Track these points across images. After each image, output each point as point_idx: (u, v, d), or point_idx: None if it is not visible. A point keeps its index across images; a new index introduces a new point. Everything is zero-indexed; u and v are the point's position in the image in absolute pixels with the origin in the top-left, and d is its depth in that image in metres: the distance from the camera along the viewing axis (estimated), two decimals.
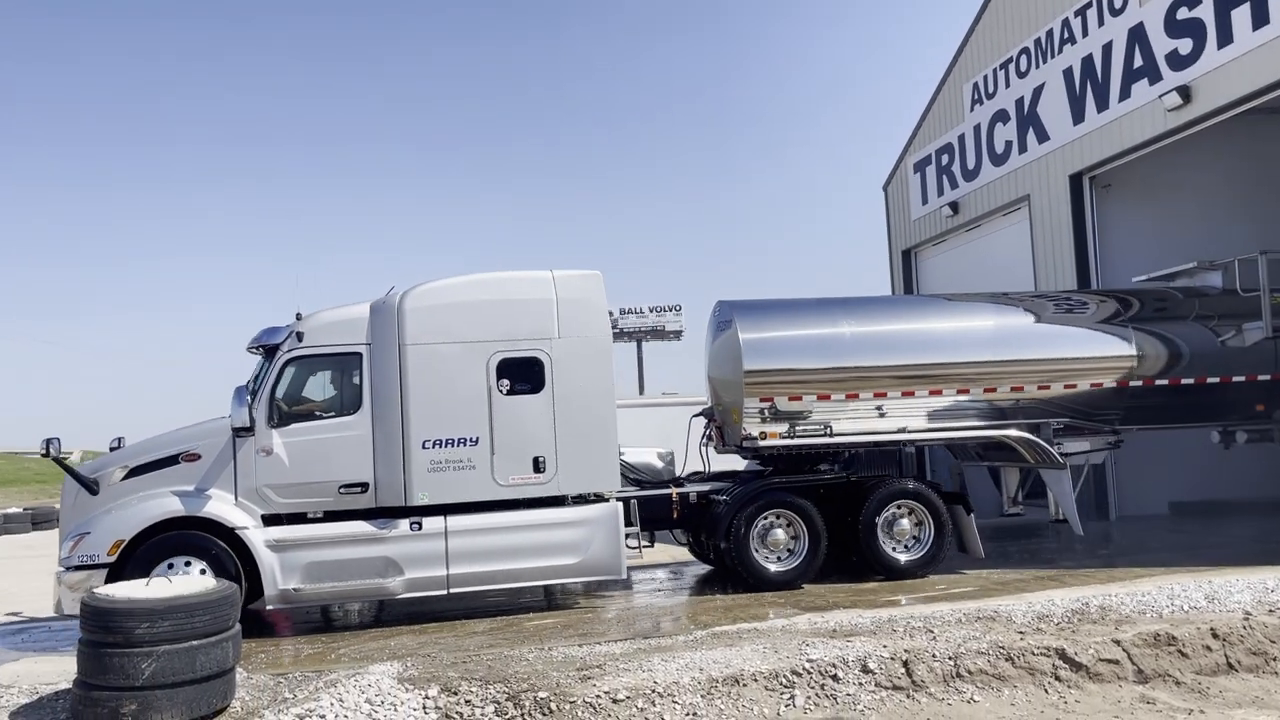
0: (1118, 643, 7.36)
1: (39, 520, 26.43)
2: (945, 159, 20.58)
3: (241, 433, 9.42)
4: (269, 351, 9.92)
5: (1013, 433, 11.62)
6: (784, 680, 6.84)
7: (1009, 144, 18.29)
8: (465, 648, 8.39)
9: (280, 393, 9.70)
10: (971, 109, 19.56)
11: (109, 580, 8.68)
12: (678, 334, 54.01)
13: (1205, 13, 13.58)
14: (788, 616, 9.09)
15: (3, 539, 24.32)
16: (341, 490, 9.62)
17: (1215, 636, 7.54)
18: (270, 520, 9.51)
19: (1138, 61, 14.91)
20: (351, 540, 9.50)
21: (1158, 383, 12.12)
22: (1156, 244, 15.39)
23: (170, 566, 8.99)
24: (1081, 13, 16.17)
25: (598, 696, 6.54)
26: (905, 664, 7.03)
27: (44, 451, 9.25)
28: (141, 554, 9.07)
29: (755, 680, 6.81)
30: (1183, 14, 14.02)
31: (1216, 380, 12.28)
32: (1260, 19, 12.66)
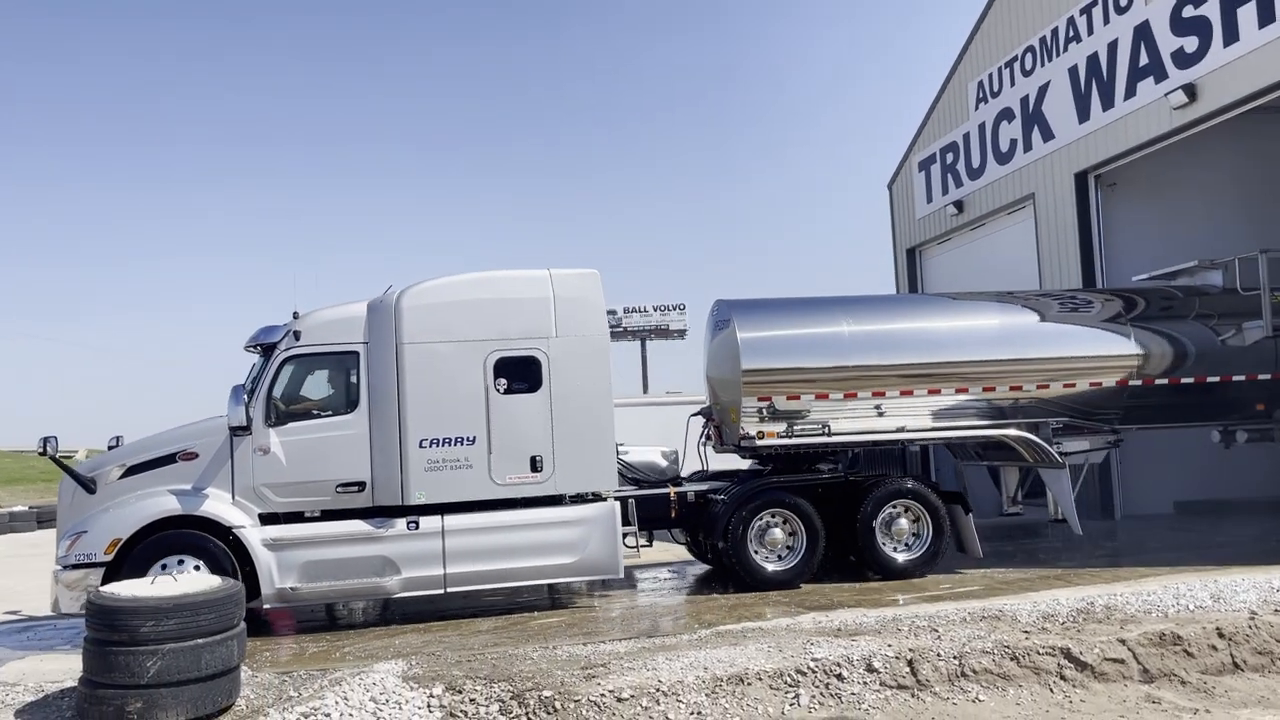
0: (1123, 642, 7.35)
1: (44, 519, 26.44)
2: (950, 158, 20.55)
3: (239, 431, 9.41)
4: (266, 350, 9.91)
5: (1011, 432, 11.60)
6: (789, 679, 6.84)
7: (1014, 142, 18.25)
8: (470, 646, 8.39)
9: (277, 391, 9.70)
10: (976, 107, 19.53)
11: (106, 579, 8.70)
12: (681, 333, 54.06)
13: (1211, 11, 13.54)
14: (792, 616, 9.08)
15: (8, 537, 24.37)
16: (339, 489, 9.62)
17: (1221, 636, 7.53)
18: (267, 519, 9.51)
19: (1143, 60, 14.87)
20: (349, 539, 9.50)
21: (1157, 382, 12.09)
22: (1161, 243, 15.35)
23: (164, 567, 8.97)
24: (1087, 11, 16.13)
25: (602, 695, 6.54)
26: (910, 663, 7.03)
27: (42, 450, 9.26)
28: (139, 553, 9.07)
29: (760, 679, 6.81)
30: (1188, 12, 13.98)
31: (1216, 379, 12.25)
32: (1266, 17, 12.62)
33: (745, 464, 12.39)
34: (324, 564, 9.41)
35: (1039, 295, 13.35)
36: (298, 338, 9.77)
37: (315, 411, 9.88)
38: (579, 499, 10.19)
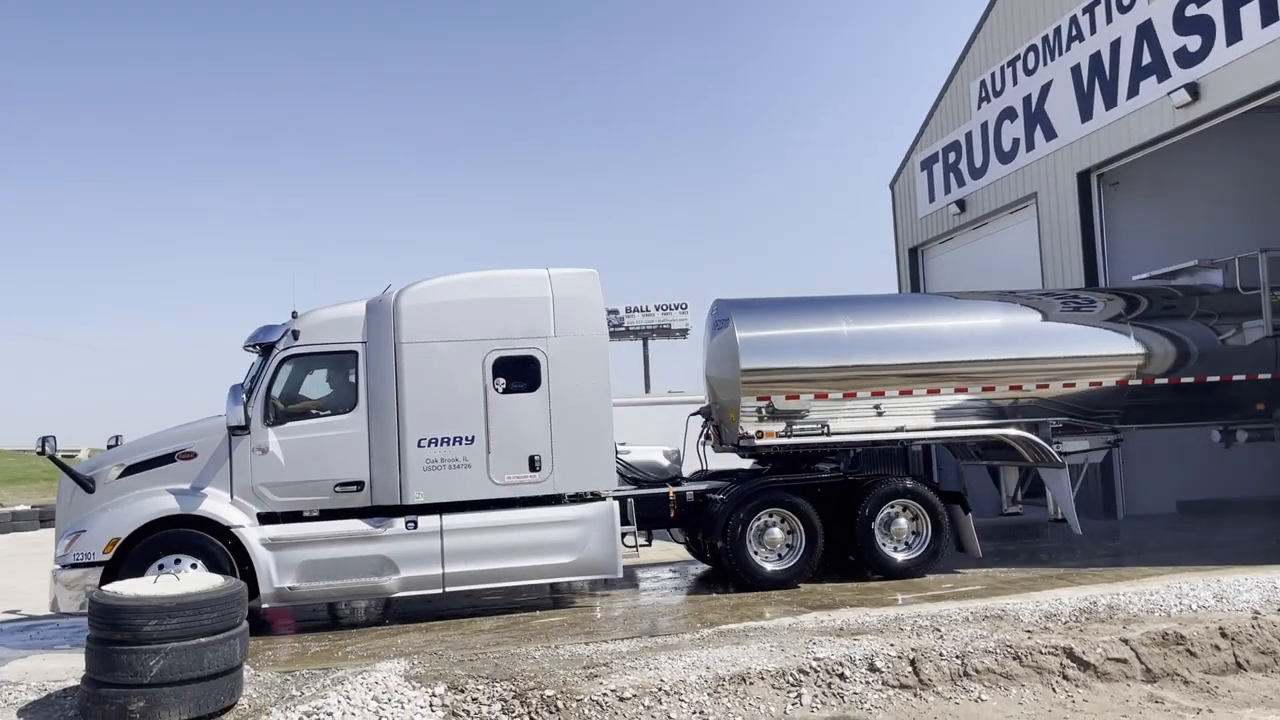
0: (1126, 642, 7.35)
1: (47, 518, 26.45)
2: (952, 157, 20.54)
3: (237, 431, 9.40)
4: (265, 349, 9.91)
5: (1011, 431, 11.59)
6: (791, 679, 6.83)
7: (1016, 142, 18.24)
8: (472, 645, 8.39)
9: (276, 391, 9.69)
10: (979, 107, 19.51)
11: (104, 578, 8.70)
12: (684, 332, 54.07)
13: (1214, 9, 13.53)
14: (794, 615, 9.08)
15: (11, 536, 24.40)
16: (337, 489, 9.62)
17: (1224, 635, 7.52)
18: (266, 518, 9.51)
19: (1146, 59, 14.86)
20: (347, 539, 9.50)
21: (1157, 381, 12.07)
22: (1164, 242, 15.33)
23: (161, 567, 8.96)
24: (1090, 10, 16.12)
25: (604, 695, 6.54)
26: (912, 663, 7.02)
27: (40, 449, 9.26)
28: (137, 552, 9.06)
29: (762, 679, 6.80)
30: (1191, 11, 13.97)
31: (1217, 379, 12.23)
32: (1270, 16, 12.60)
33: (745, 463, 12.39)
34: (322, 563, 9.41)
35: (1040, 294, 13.34)
36: (296, 337, 9.77)
37: (314, 411, 9.88)
38: (578, 498, 10.19)
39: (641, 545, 10.93)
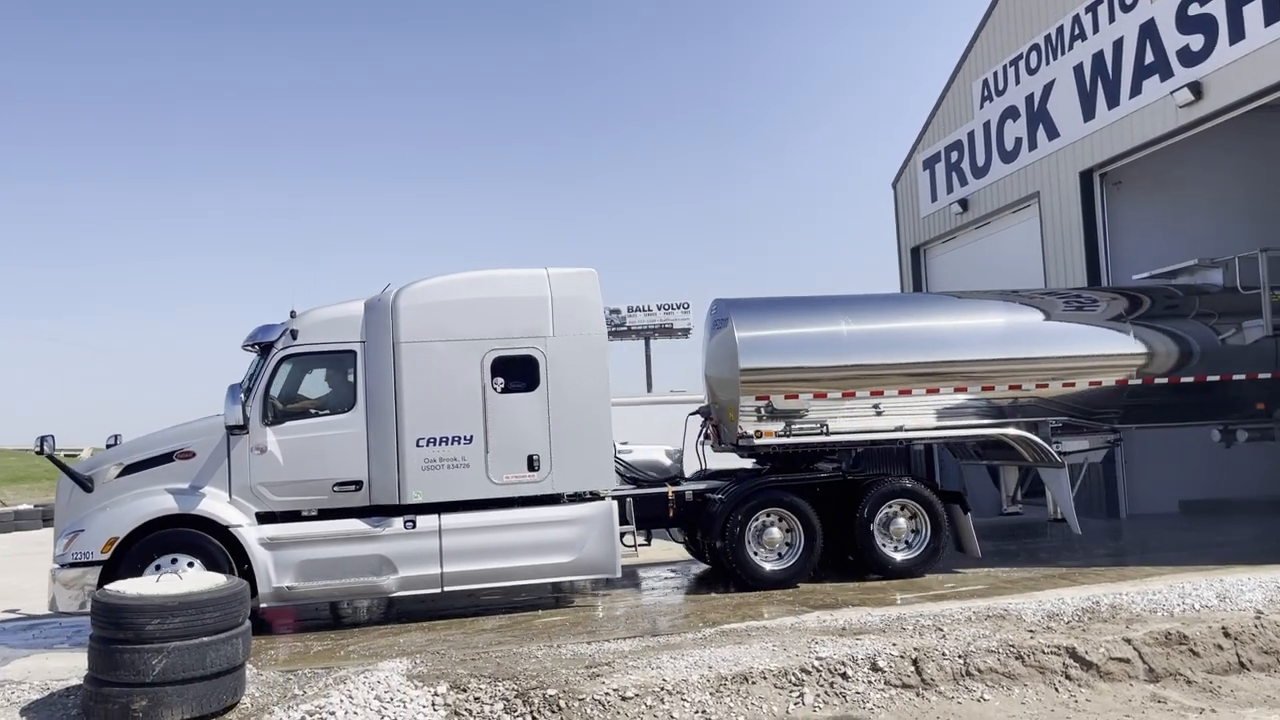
0: (1129, 641, 7.34)
1: (50, 517, 26.37)
2: (955, 156, 20.52)
3: (236, 430, 9.40)
4: (264, 349, 9.90)
5: (1010, 431, 11.58)
6: (793, 678, 6.83)
7: (1019, 141, 18.22)
8: (474, 645, 8.39)
9: (275, 390, 9.69)
10: (981, 106, 19.50)
11: (103, 578, 8.72)
12: (686, 332, 54.07)
13: (1217, 9, 13.51)
14: (796, 614, 9.08)
15: (14, 535, 24.42)
16: (335, 488, 9.62)
17: (1227, 635, 7.51)
18: (264, 518, 9.51)
19: (1149, 58, 14.84)
20: (345, 538, 9.50)
21: (1157, 381, 12.05)
22: (1167, 241, 15.32)
23: (158, 567, 8.96)
24: (1092, 9, 16.10)
25: (607, 694, 6.53)
26: (915, 662, 7.01)
27: (39, 449, 9.26)
28: (135, 551, 9.07)
29: (764, 678, 6.80)
30: (1194, 10, 13.96)
31: (1216, 379, 12.21)
32: (1272, 15, 12.59)
33: (745, 463, 12.39)
34: (321, 563, 9.41)
35: (1042, 294, 13.31)
36: (295, 336, 9.77)
37: (312, 410, 9.87)
38: (576, 498, 10.18)
39: (641, 545, 10.92)
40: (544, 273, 10.26)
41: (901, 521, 11.09)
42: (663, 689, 6.61)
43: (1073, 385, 11.79)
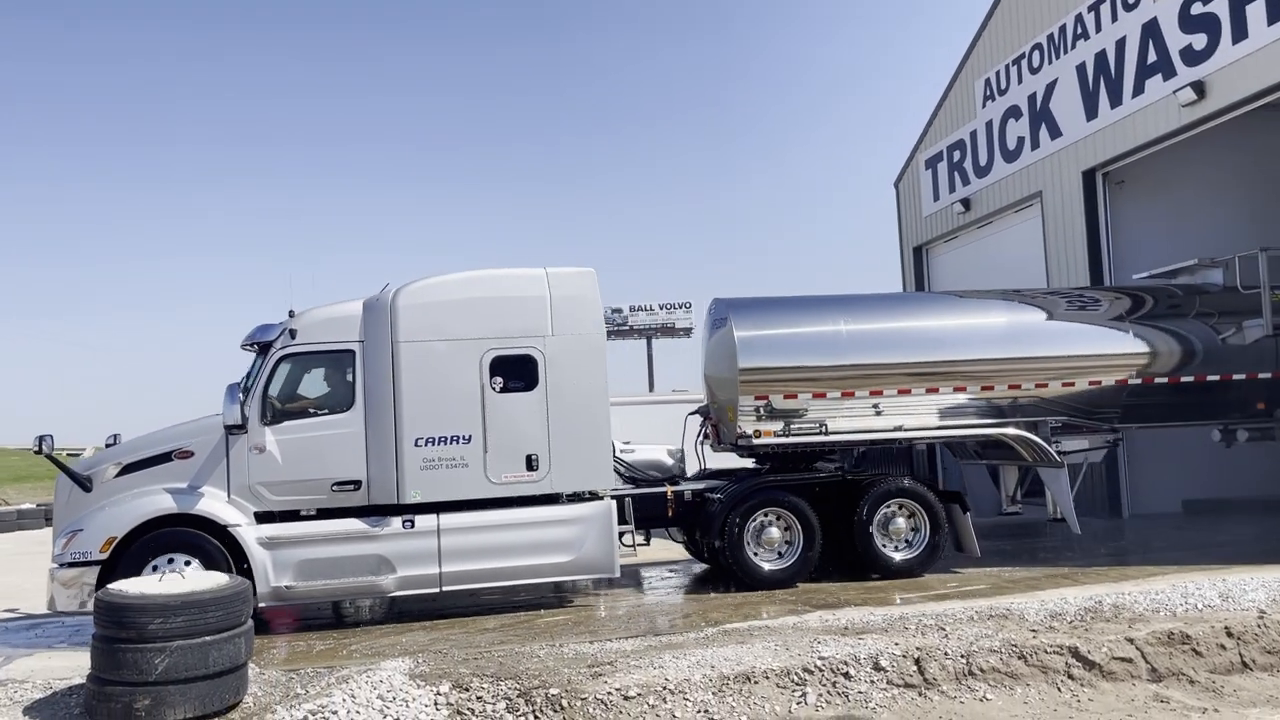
0: (1131, 641, 7.33)
1: (52, 516, 26.51)
2: (957, 155, 20.51)
3: (234, 430, 9.39)
4: (262, 348, 9.91)
5: (1009, 430, 11.55)
6: (796, 678, 6.83)
7: (1021, 140, 18.21)
8: (477, 644, 8.40)
9: (273, 390, 9.69)
10: (983, 105, 19.48)
11: (102, 577, 8.73)
12: (687, 331, 54.13)
13: (1220, 8, 13.50)
14: (798, 614, 9.07)
15: (16, 535, 24.45)
16: (334, 488, 9.62)
17: (1230, 635, 7.50)
18: (263, 517, 9.51)
19: (1152, 57, 14.83)
20: (344, 538, 9.50)
21: (1157, 381, 12.03)
22: (1169, 241, 15.29)
23: (155, 568, 8.96)
24: (1095, 8, 16.08)
25: (609, 693, 6.53)
26: (917, 662, 7.01)
27: (37, 448, 9.28)
28: (134, 551, 9.07)
29: (767, 678, 6.80)
30: (1197, 9, 13.94)
31: (1217, 378, 12.19)
32: (1275, 14, 12.57)
33: (744, 463, 12.38)
34: (319, 562, 9.41)
35: (1043, 293, 13.30)
36: (294, 336, 9.77)
37: (311, 410, 9.87)
38: (575, 498, 10.18)
39: (640, 545, 10.90)
40: (543, 272, 10.26)
41: (900, 521, 11.08)
42: (665, 688, 6.61)
43: (1072, 385, 11.77)
